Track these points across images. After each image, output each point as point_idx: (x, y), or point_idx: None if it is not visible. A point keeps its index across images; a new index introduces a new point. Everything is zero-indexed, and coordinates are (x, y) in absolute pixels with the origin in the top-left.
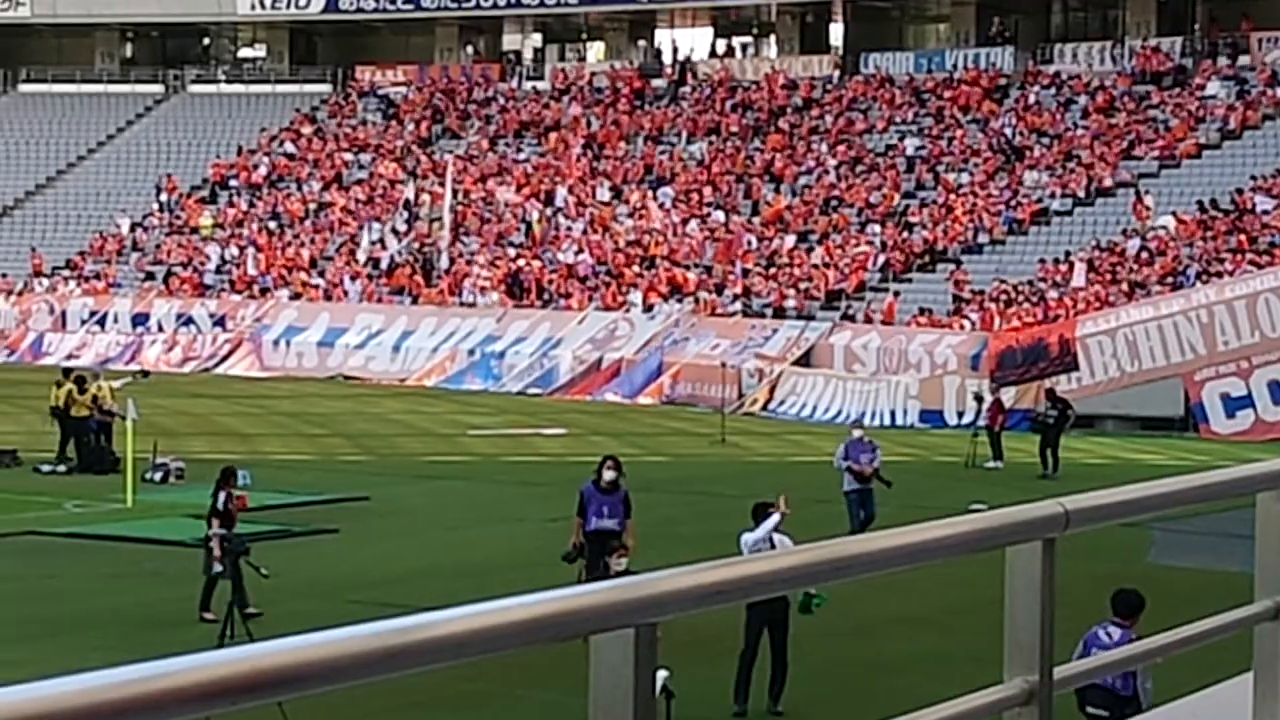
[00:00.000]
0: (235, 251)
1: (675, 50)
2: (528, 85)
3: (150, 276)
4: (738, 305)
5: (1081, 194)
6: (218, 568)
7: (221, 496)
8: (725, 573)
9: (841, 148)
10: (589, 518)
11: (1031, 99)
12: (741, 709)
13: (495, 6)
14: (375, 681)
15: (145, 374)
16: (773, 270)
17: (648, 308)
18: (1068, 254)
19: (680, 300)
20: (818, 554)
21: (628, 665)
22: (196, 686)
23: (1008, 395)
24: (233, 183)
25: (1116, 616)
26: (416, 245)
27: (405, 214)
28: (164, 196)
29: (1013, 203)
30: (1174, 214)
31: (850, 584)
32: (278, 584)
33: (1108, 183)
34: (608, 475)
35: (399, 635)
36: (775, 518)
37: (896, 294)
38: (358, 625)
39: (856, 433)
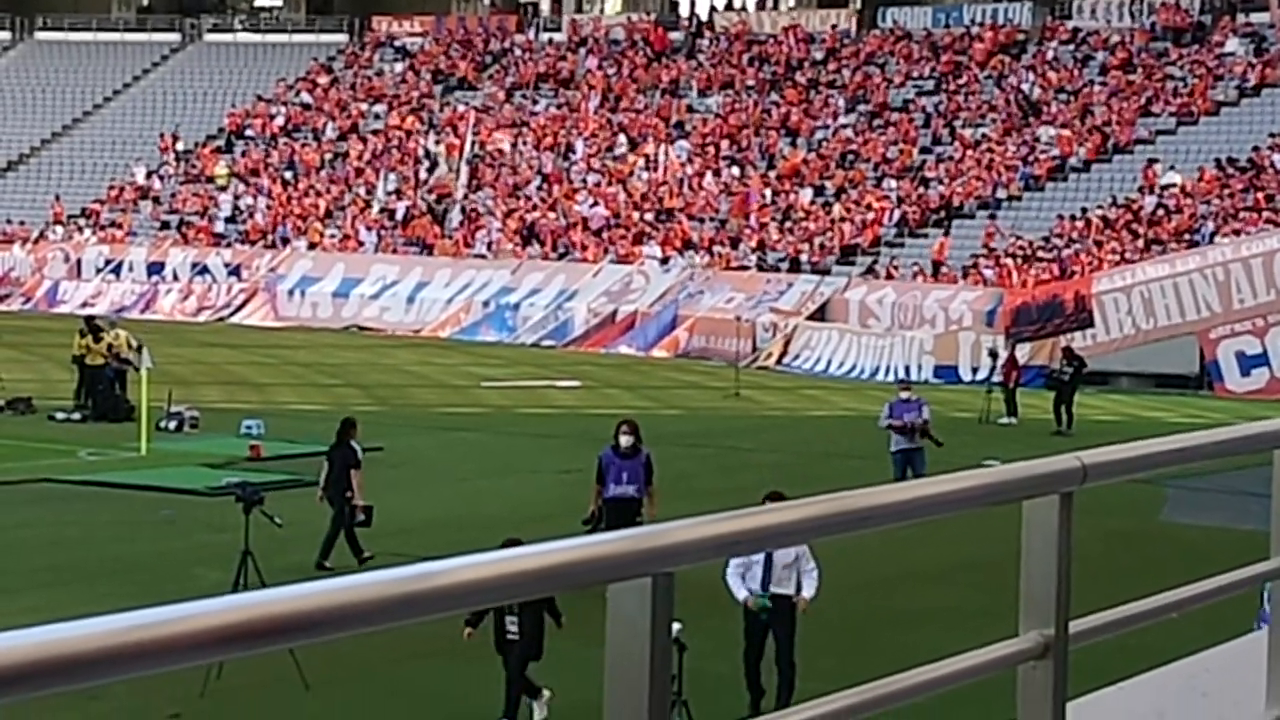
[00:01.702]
0: (250, 201)
1: (692, 3)
2: (544, 37)
3: (166, 225)
4: (753, 259)
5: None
6: (360, 517)
7: (358, 449)
8: (742, 523)
9: (859, 103)
10: (607, 484)
11: (1049, 55)
12: (756, 709)
13: None
14: (390, 628)
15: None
16: (788, 224)
17: (663, 261)
18: (1084, 211)
19: (695, 254)
20: (834, 505)
21: (644, 614)
22: (211, 631)
23: (1023, 351)
24: (248, 132)
25: None
26: (432, 196)
27: (421, 165)
28: (161, 156)
29: (1029, 159)
30: (1172, 168)
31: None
32: (290, 533)
33: (1125, 139)
34: (624, 440)
35: (415, 582)
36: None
37: (947, 233)
38: (373, 572)
39: (904, 394)
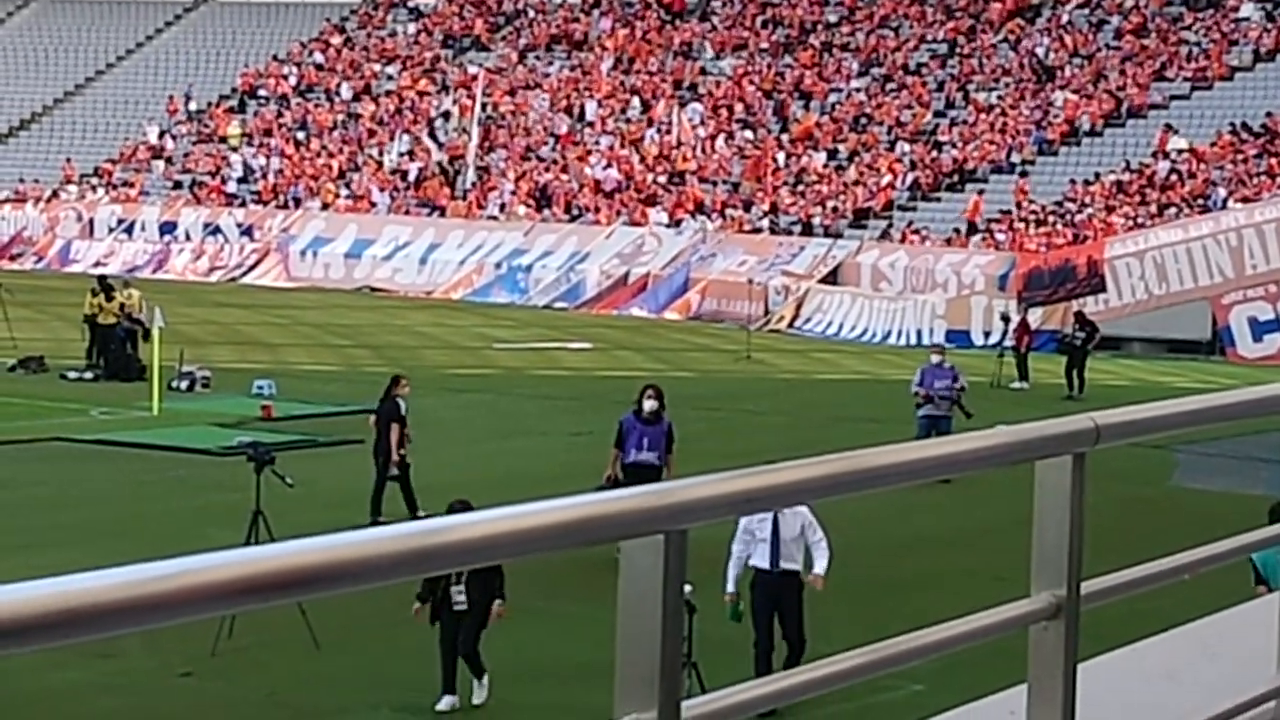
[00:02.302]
0: (263, 161)
1: None
2: None
3: (178, 185)
4: (765, 222)
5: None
6: (394, 471)
7: (402, 404)
8: (755, 480)
9: (873, 66)
10: (628, 450)
11: (1064, 19)
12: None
13: None
14: (404, 582)
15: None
16: (801, 187)
17: (675, 223)
18: (1097, 175)
19: (708, 217)
20: (847, 464)
21: (657, 572)
22: (227, 583)
23: (1035, 316)
24: (261, 92)
25: None
26: (445, 158)
27: (433, 126)
28: (170, 118)
29: (1043, 123)
30: (1176, 131)
31: (874, 503)
32: (301, 493)
33: (1139, 104)
34: (648, 405)
35: (428, 537)
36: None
37: (981, 192)
38: (388, 526)
39: (935, 358)
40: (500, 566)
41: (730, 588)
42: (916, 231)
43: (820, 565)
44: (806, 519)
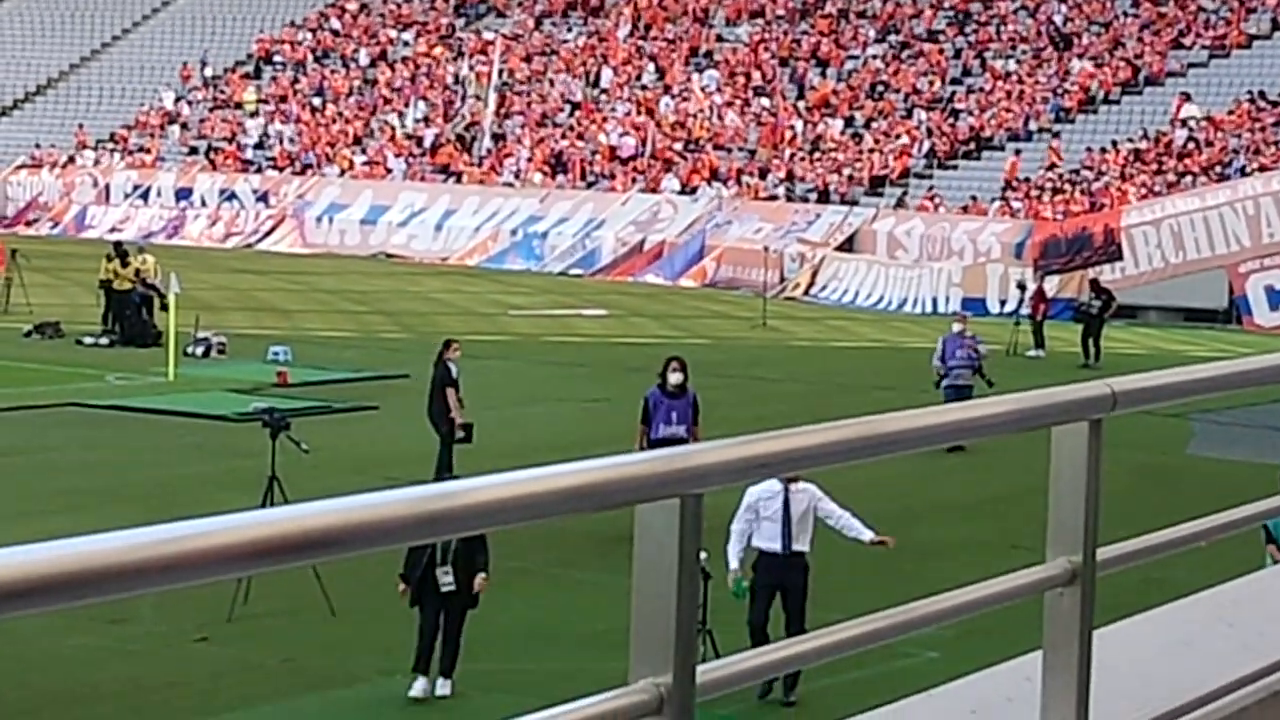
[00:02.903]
0: (279, 127)
1: None
2: None
3: (194, 151)
4: (781, 189)
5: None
6: (460, 434)
7: (454, 368)
8: (771, 445)
9: (889, 33)
10: (656, 425)
11: None
12: (766, 689)
13: None
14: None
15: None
16: (817, 155)
17: (691, 190)
18: (1114, 143)
19: (723, 184)
20: (863, 429)
21: (672, 535)
22: (240, 545)
23: (1051, 284)
24: (277, 58)
25: None
26: (461, 124)
27: (449, 92)
28: (184, 84)
29: (1060, 90)
30: (1189, 98)
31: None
32: (316, 459)
33: (1156, 72)
34: (674, 378)
35: (443, 500)
36: (869, 535)
37: (1018, 153)
38: (403, 489)
39: (957, 326)
40: (486, 545)
41: (734, 564)
42: (935, 198)
43: (867, 531)
44: (814, 495)
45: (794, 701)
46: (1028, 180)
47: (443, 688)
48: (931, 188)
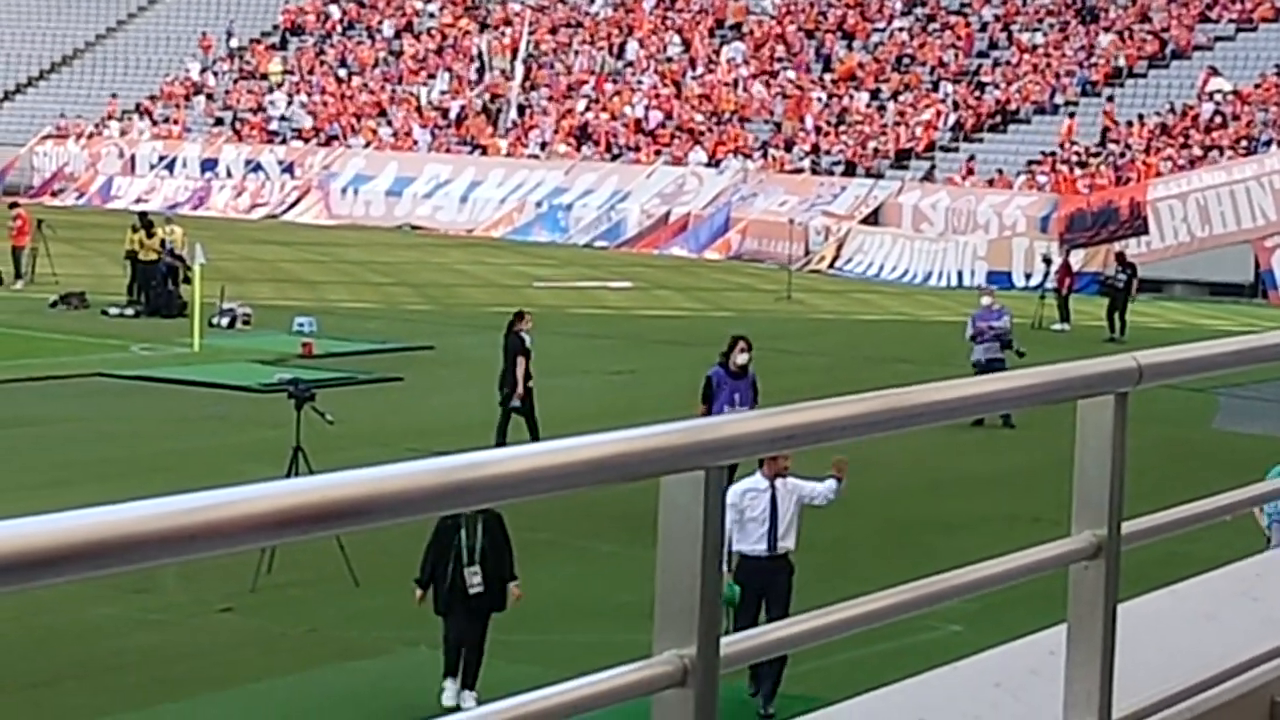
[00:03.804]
0: (305, 98)
1: None
2: None
3: (220, 122)
4: (807, 162)
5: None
6: (515, 403)
7: (527, 338)
8: (795, 417)
9: (916, 5)
10: (719, 406)
11: None
12: (757, 689)
13: None
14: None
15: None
16: (843, 128)
17: (716, 163)
18: (1141, 117)
19: (749, 156)
20: (887, 402)
21: (697, 506)
22: (266, 515)
23: (1076, 258)
24: (303, 29)
25: None
26: (487, 96)
27: (476, 64)
28: (205, 56)
29: (1086, 64)
30: (1217, 72)
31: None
32: (341, 431)
33: (1184, 45)
34: (740, 358)
35: (469, 470)
36: (832, 484)
37: (1072, 116)
38: (428, 459)
39: (985, 300)
40: (510, 544)
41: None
42: (972, 172)
43: (829, 481)
44: (797, 487)
45: (771, 714)
46: (1053, 154)
47: (468, 700)
48: (973, 156)
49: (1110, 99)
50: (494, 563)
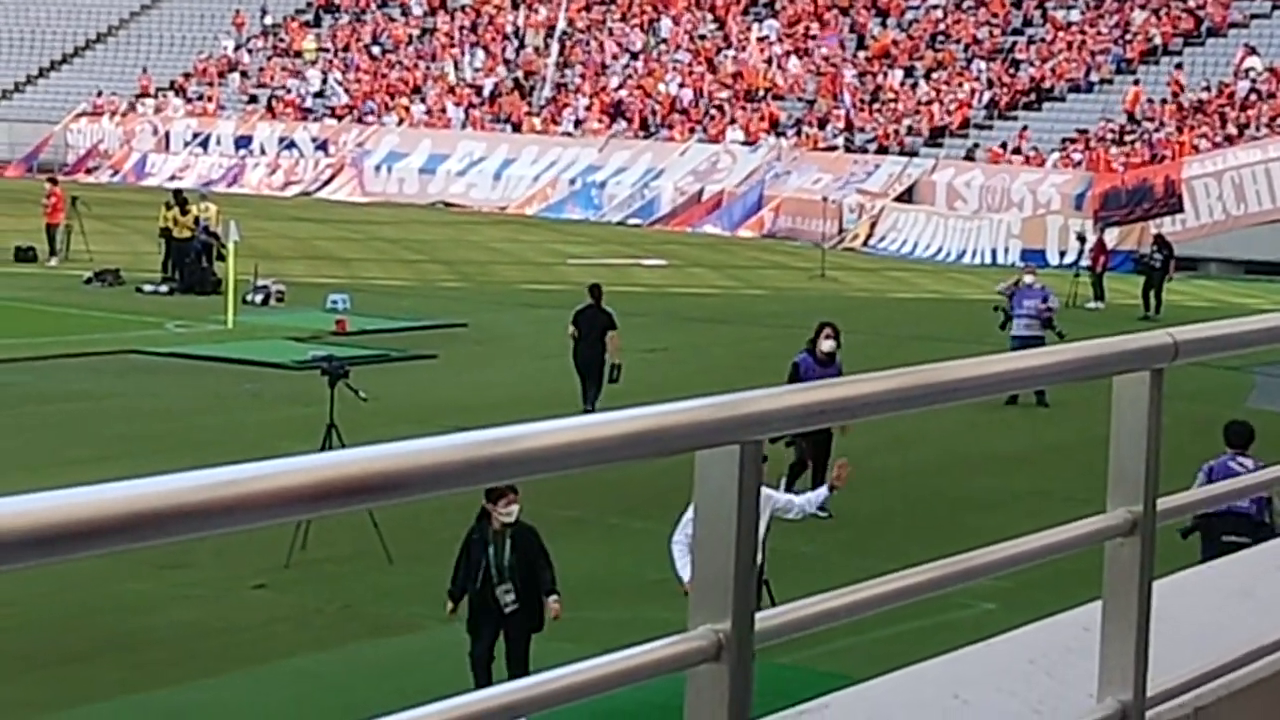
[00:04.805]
0: (338, 75)
1: None
2: None
3: (254, 100)
4: (840, 140)
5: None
6: (614, 375)
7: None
8: (829, 392)
9: None
10: None
11: None
12: None
13: None
14: (477, 490)
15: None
16: (877, 105)
17: (750, 140)
18: (1175, 95)
19: (783, 134)
20: (923, 377)
21: (732, 481)
22: (301, 488)
23: (1111, 236)
24: (337, 6)
25: (1233, 448)
26: (521, 73)
27: (508, 41)
28: (238, 33)
29: (1121, 41)
30: (1252, 47)
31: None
32: (375, 408)
33: (1219, 22)
34: (826, 345)
35: (502, 444)
36: (823, 491)
37: (1136, 82)
38: (464, 433)
39: (1028, 278)
40: (548, 556)
41: (687, 575)
42: (1019, 150)
43: (820, 490)
44: (768, 498)
45: None
46: (1085, 131)
47: None
48: (1026, 127)
49: (1179, 65)
50: (527, 578)
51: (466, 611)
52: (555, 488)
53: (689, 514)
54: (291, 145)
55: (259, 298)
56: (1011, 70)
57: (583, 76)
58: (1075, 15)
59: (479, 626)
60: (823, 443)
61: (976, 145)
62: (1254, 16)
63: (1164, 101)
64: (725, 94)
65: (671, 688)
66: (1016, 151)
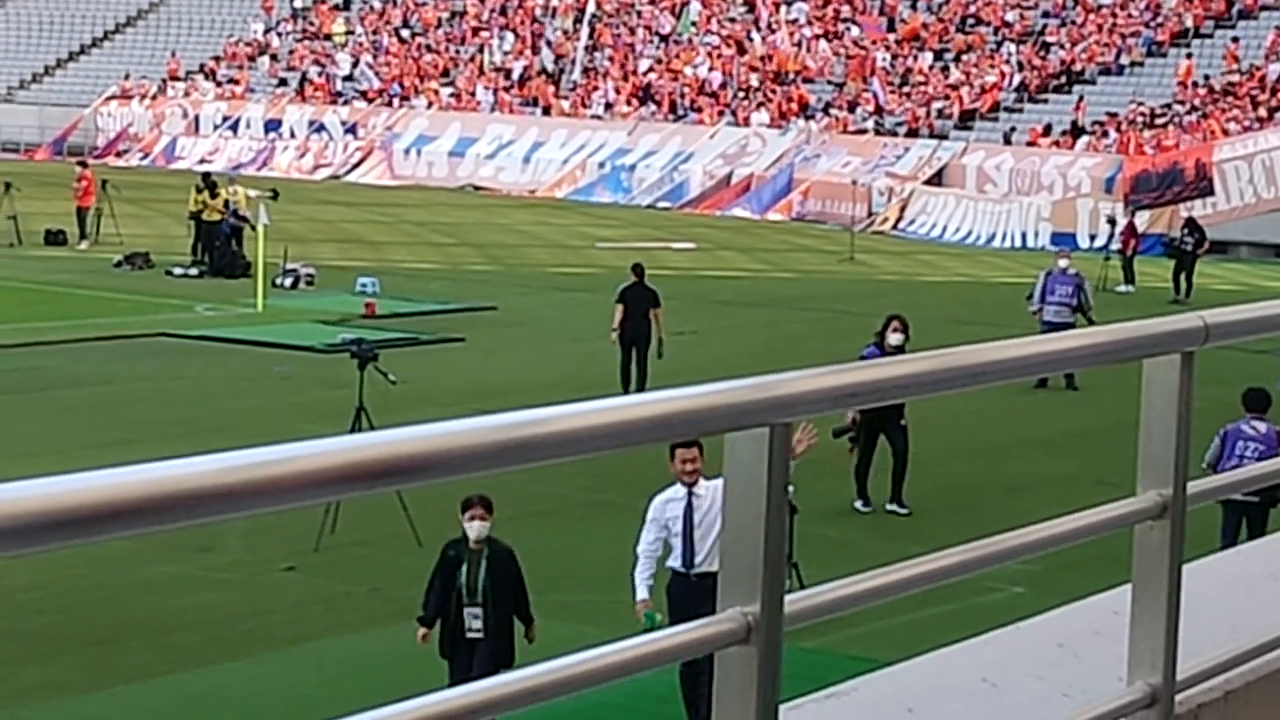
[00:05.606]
0: (368, 58)
1: None
2: None
3: (283, 83)
4: (870, 123)
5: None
6: (660, 353)
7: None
8: (859, 375)
9: None
10: None
11: None
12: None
13: None
14: (506, 472)
15: (275, 194)
16: (906, 88)
17: (779, 124)
18: (1207, 78)
19: (812, 117)
20: (952, 359)
21: (761, 464)
22: (330, 469)
23: (1141, 219)
24: None
25: (1252, 413)
26: (551, 56)
27: (538, 25)
28: (267, 16)
29: (1152, 24)
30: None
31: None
32: (404, 391)
33: (1251, 5)
34: (894, 338)
35: (531, 427)
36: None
37: (1189, 57)
38: (492, 415)
39: (1063, 263)
40: (523, 581)
41: (642, 593)
42: (1048, 131)
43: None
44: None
45: None
46: (1115, 114)
47: None
48: (1082, 101)
49: (1235, 39)
50: (497, 604)
51: (438, 636)
52: (581, 470)
53: (651, 514)
54: (321, 128)
55: (288, 281)
56: (1042, 53)
57: (612, 59)
58: None
59: (452, 652)
60: (874, 434)
61: (1014, 129)
62: None
63: (1195, 84)
64: (755, 77)
65: (670, 680)
66: (1045, 132)
